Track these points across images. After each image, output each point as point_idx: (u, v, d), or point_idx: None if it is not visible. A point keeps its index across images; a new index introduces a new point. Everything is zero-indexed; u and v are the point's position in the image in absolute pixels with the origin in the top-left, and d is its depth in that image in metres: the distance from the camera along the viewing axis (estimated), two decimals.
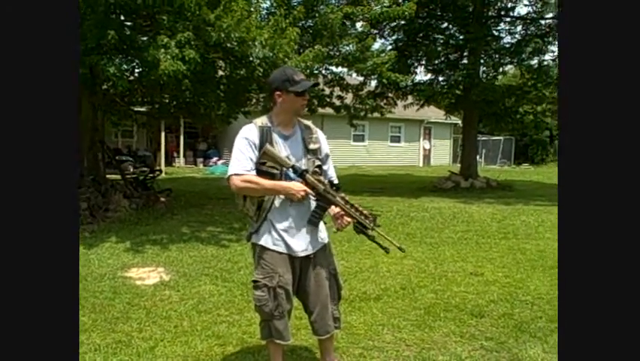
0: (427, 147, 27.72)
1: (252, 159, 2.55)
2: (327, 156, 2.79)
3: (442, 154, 28.42)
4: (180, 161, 21.50)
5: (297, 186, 2.52)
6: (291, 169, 2.56)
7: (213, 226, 7.62)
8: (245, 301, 4.21)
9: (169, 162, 20.59)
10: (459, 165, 15.75)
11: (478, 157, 17.67)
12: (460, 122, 20.21)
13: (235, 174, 2.52)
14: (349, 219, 2.58)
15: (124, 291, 4.48)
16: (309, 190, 2.54)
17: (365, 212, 2.58)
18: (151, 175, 10.68)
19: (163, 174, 14.49)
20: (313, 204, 2.63)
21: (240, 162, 2.54)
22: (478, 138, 19.00)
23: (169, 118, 14.63)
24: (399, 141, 26.17)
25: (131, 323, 3.73)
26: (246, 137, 2.58)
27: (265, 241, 2.63)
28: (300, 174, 2.55)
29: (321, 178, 2.62)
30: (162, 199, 9.40)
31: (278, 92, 2.60)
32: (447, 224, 8.08)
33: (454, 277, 4.96)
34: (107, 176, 9.33)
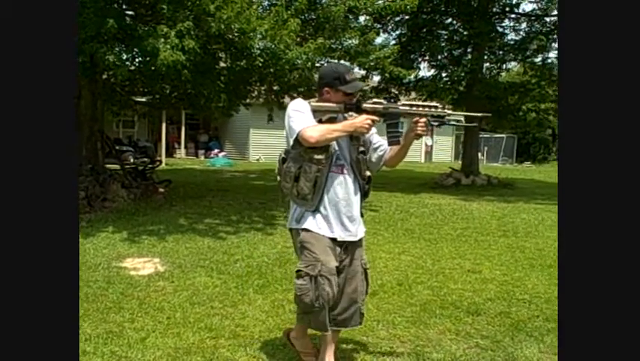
0: (429, 143, 27.61)
1: (311, 118, 2.54)
2: (372, 135, 2.74)
3: (443, 151, 28.32)
4: (181, 152, 21.48)
5: (360, 119, 2.51)
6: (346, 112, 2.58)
7: (211, 217, 7.58)
8: (239, 294, 4.18)
9: (170, 153, 20.54)
10: (460, 162, 15.67)
11: (479, 154, 17.59)
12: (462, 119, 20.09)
13: (307, 127, 2.47)
14: (424, 120, 2.56)
15: (118, 281, 4.45)
16: (373, 117, 2.54)
17: (431, 103, 2.61)
18: (150, 166, 10.64)
19: (163, 165, 14.46)
20: (353, 185, 2.64)
21: (305, 117, 2.52)
22: (480, 136, 18.89)
23: (170, 109, 14.58)
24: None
25: (124, 313, 3.69)
26: (299, 105, 2.59)
27: (310, 224, 2.60)
28: (357, 108, 2.56)
29: (376, 100, 2.62)
30: (161, 190, 9.36)
31: (327, 89, 2.61)
32: (446, 221, 8.03)
33: (451, 274, 4.92)
34: (107, 166, 9.29)
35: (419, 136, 2.60)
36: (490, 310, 3.92)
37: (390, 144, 2.66)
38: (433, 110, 2.57)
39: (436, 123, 2.59)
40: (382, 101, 2.59)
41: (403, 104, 2.60)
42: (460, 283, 4.62)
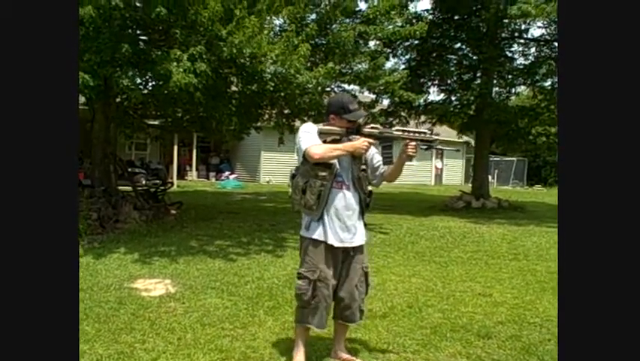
0: (439, 166, 27.61)
1: (317, 138, 2.95)
2: (372, 156, 3.15)
3: (454, 174, 28.28)
4: (193, 174, 21.63)
5: (359, 141, 2.93)
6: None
7: (222, 239, 7.62)
8: (250, 315, 4.19)
9: (181, 175, 20.70)
10: (471, 185, 15.64)
11: (490, 177, 17.55)
12: (472, 141, 20.13)
13: (313, 145, 2.89)
14: (414, 143, 2.98)
15: (129, 302, 4.48)
16: (369, 140, 2.94)
17: (421, 130, 3.04)
18: (162, 188, 10.73)
19: (175, 187, 14.57)
20: (352, 198, 3.00)
21: (311, 137, 2.94)
22: (491, 159, 18.88)
23: (181, 132, 14.74)
24: (410, 160, 26.02)
25: (135, 334, 3.71)
26: (308, 127, 3.00)
27: (315, 233, 2.99)
28: (357, 131, 2.97)
29: (373, 125, 3.09)
30: (172, 212, 9.43)
31: (332, 116, 3.02)
32: (457, 244, 8.01)
33: (462, 297, 4.90)
34: (119, 188, 9.39)
35: (410, 157, 3.00)
36: (501, 334, 3.89)
37: (384, 163, 3.12)
38: (422, 135, 2.99)
39: (425, 147, 3.02)
40: (378, 126, 3.06)
41: (397, 130, 3.05)
42: (471, 307, 4.60)
